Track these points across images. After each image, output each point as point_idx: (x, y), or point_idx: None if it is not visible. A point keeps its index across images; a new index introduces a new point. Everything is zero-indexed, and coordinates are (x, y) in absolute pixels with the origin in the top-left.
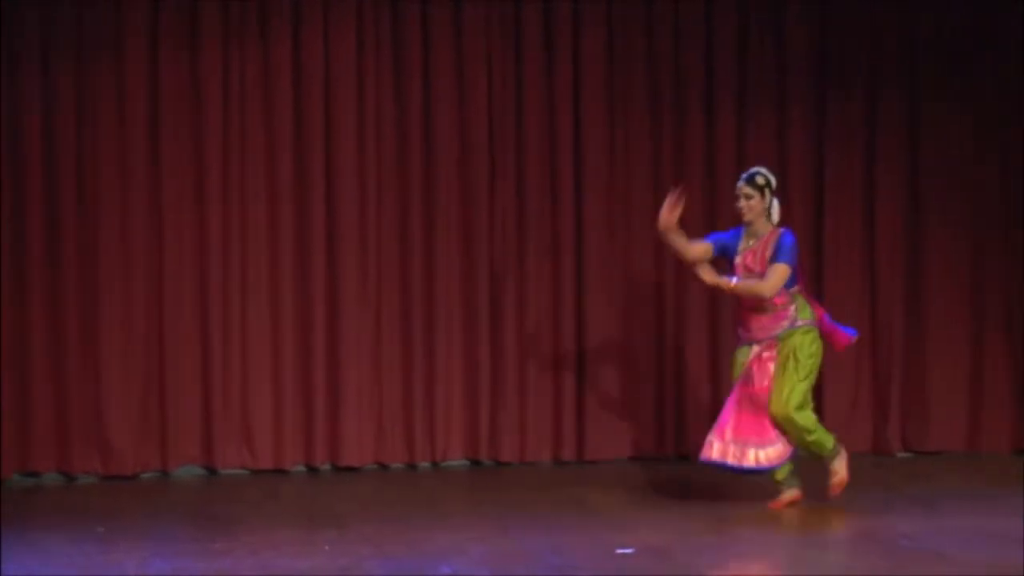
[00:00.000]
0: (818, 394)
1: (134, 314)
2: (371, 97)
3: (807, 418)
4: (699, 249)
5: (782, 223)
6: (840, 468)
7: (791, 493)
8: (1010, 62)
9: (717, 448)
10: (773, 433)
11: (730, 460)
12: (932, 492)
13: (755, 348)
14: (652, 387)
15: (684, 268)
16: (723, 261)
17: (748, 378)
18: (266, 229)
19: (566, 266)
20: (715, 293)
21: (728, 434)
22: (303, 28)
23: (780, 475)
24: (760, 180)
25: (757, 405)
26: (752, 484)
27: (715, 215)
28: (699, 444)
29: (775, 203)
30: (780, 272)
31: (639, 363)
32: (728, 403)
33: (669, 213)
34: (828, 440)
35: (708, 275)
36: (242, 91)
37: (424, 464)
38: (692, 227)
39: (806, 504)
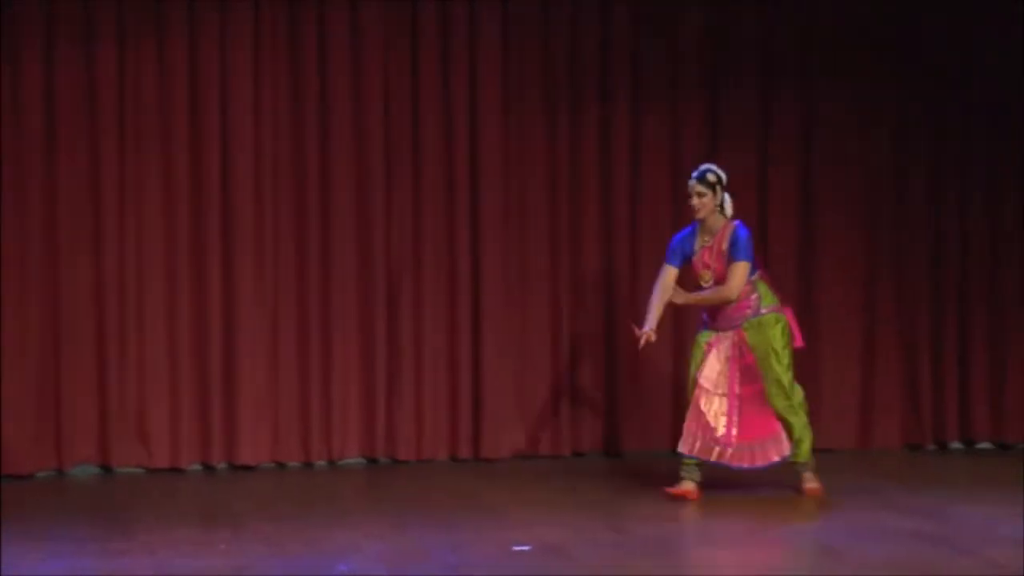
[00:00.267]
0: None
1: (29, 313)
2: (267, 96)
3: (803, 406)
4: (670, 284)
5: (735, 216)
6: (813, 479)
7: (687, 486)
8: (903, 60)
9: (729, 454)
10: (779, 424)
11: (734, 464)
12: (825, 488)
13: (720, 336)
14: (548, 385)
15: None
16: (687, 267)
17: (738, 379)
18: (162, 228)
19: (462, 264)
20: (601, 288)
21: (735, 438)
22: (199, 27)
23: (687, 461)
24: (711, 177)
25: (757, 403)
26: (648, 481)
27: (610, 215)
28: (591, 440)
29: (727, 198)
30: (741, 270)
31: (535, 361)
32: (729, 408)
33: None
34: (808, 438)
35: (678, 298)
36: (137, 91)
37: (321, 462)
38: (587, 227)
39: (703, 499)
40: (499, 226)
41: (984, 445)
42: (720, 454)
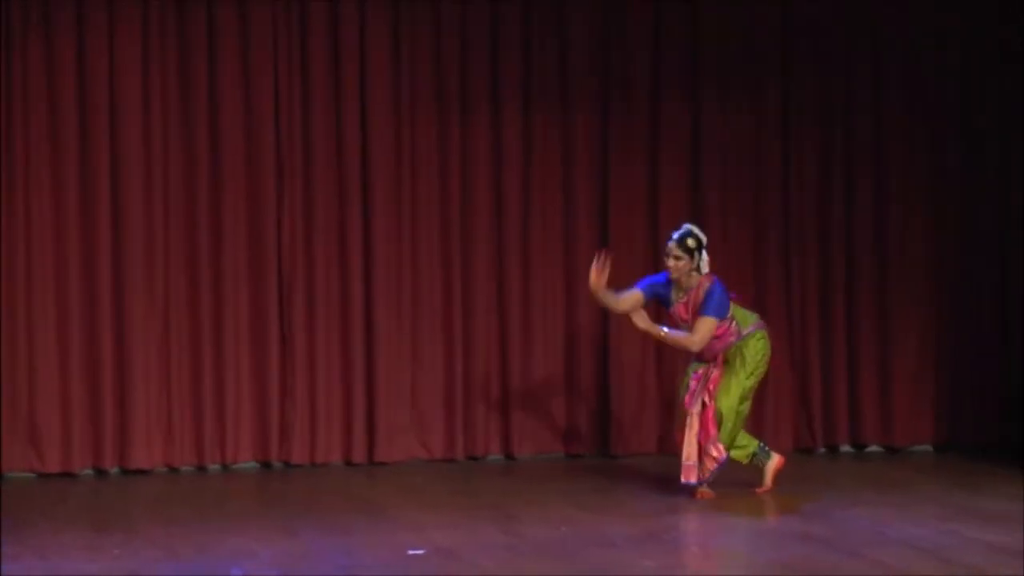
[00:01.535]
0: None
1: None
2: (156, 96)
3: (742, 415)
4: (630, 301)
5: (711, 272)
6: (768, 476)
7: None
8: (789, 70)
9: (695, 472)
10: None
11: (704, 477)
12: (712, 490)
13: (708, 366)
14: (442, 388)
15: (470, 266)
16: (655, 303)
17: (699, 400)
18: (51, 229)
19: (354, 266)
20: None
21: (695, 454)
22: (87, 28)
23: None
24: (691, 243)
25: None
26: (541, 484)
27: (501, 216)
28: (486, 444)
29: (704, 257)
30: (707, 325)
31: (428, 363)
32: (688, 430)
33: (597, 277)
34: (752, 443)
35: (641, 322)
36: (25, 90)
37: (214, 466)
38: (479, 228)
39: (596, 502)
40: (391, 228)
41: (873, 448)
42: (695, 473)
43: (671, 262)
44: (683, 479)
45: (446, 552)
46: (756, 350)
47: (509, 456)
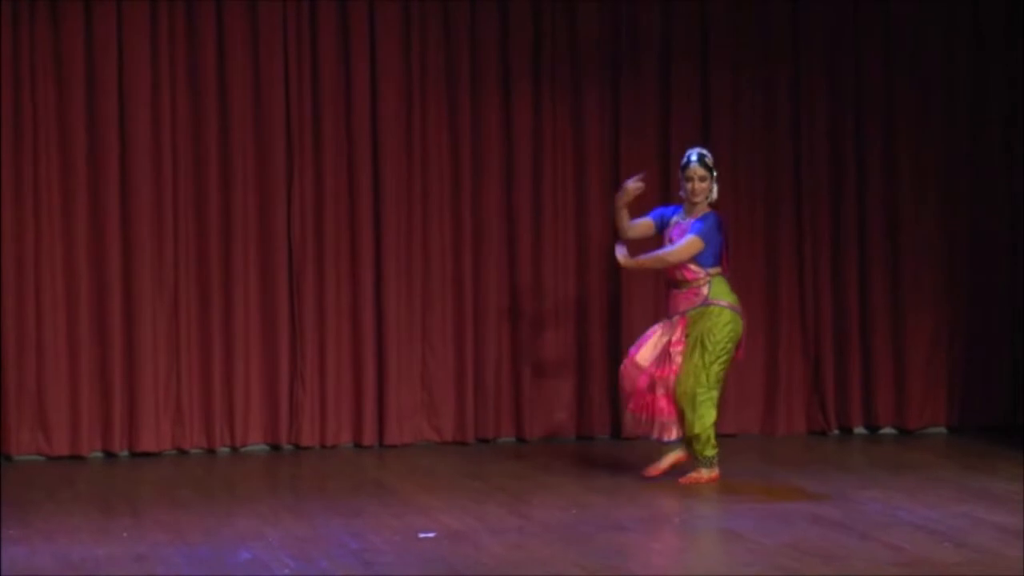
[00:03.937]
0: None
1: None
2: (165, 84)
3: (707, 405)
4: (640, 228)
5: (715, 205)
6: (702, 474)
7: (674, 455)
8: (800, 48)
9: (643, 427)
10: (676, 414)
11: (655, 435)
12: (724, 473)
13: (668, 322)
14: (452, 370)
15: (480, 248)
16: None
17: (662, 362)
18: (60, 213)
19: (365, 250)
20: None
21: (646, 415)
22: (95, 11)
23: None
24: (709, 161)
25: (667, 387)
26: (553, 466)
27: (512, 199)
28: (496, 426)
29: (715, 185)
30: (689, 243)
31: (439, 346)
32: (640, 383)
33: (627, 194)
34: (709, 447)
35: (624, 261)
36: (32, 80)
37: (223, 449)
38: (489, 211)
39: (607, 485)
40: (402, 211)
41: (887, 431)
42: (643, 428)
43: (696, 184)
44: (658, 436)
45: (456, 535)
46: (723, 335)
47: (520, 438)
